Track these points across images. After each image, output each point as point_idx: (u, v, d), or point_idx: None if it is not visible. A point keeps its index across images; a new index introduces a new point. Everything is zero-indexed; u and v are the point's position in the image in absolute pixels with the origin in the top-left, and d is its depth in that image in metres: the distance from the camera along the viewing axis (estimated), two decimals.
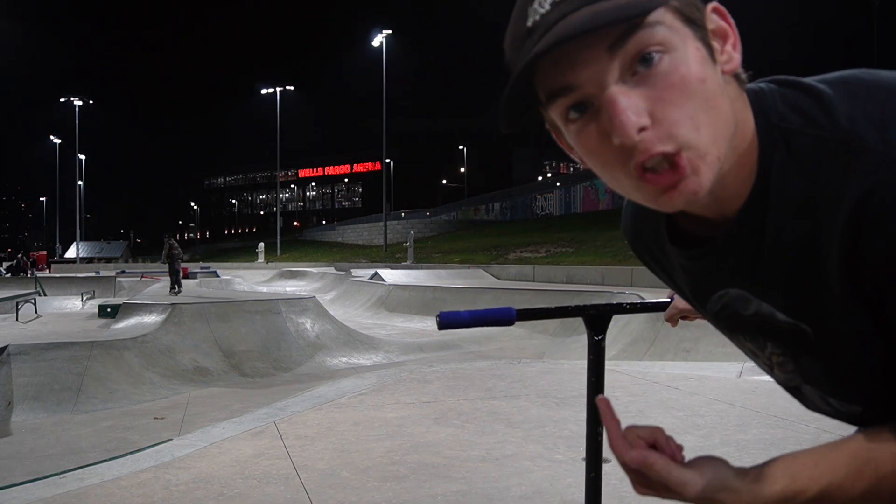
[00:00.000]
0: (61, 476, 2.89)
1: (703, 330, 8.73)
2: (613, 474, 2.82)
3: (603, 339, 1.54)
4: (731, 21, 0.57)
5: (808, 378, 0.64)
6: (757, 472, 0.57)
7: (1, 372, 6.31)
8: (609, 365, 6.27)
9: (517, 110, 0.56)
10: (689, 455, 0.58)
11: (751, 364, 5.49)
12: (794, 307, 0.59)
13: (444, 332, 11.73)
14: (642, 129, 0.51)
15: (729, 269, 0.62)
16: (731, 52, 0.56)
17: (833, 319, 0.57)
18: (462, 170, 79.37)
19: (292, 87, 52.86)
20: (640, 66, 0.51)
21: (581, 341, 10.99)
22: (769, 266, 0.59)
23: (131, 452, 3.34)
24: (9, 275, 28.73)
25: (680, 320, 1.33)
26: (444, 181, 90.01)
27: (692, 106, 0.52)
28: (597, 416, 1.44)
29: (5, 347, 6.50)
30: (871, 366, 0.58)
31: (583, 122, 0.54)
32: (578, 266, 19.86)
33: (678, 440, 0.58)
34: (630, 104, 0.51)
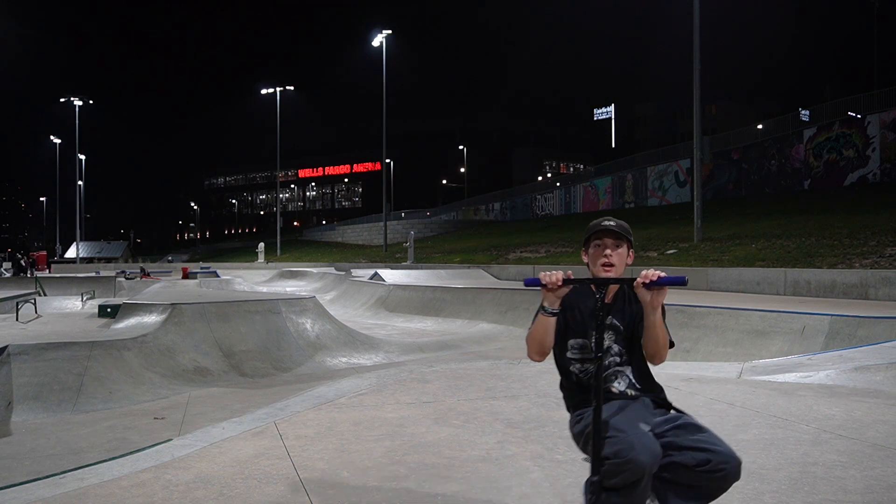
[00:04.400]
0: (61, 476, 2.89)
1: (702, 330, 8.73)
2: None
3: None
4: (633, 255, 2.21)
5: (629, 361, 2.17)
6: None
7: (1, 372, 6.31)
8: None
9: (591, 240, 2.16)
10: None
11: (751, 364, 5.47)
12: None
13: (444, 332, 11.36)
14: (610, 255, 2.14)
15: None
16: (631, 257, 2.19)
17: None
18: (462, 170, 79.38)
19: (292, 88, 52.78)
20: (616, 246, 2.15)
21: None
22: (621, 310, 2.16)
23: (131, 452, 3.33)
24: (8, 275, 28.75)
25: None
26: (444, 181, 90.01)
27: (623, 262, 2.16)
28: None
29: (5, 347, 6.50)
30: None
31: (597, 248, 2.17)
32: (578, 266, 19.82)
33: None
34: (611, 254, 2.14)
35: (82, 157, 62.98)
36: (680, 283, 1.91)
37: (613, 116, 78.60)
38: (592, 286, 2.09)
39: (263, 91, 52.21)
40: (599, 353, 1.98)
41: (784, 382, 4.74)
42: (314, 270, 28.45)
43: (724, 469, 1.86)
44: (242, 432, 3.55)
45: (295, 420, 3.80)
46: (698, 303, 9.50)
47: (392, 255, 37.80)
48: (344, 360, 9.11)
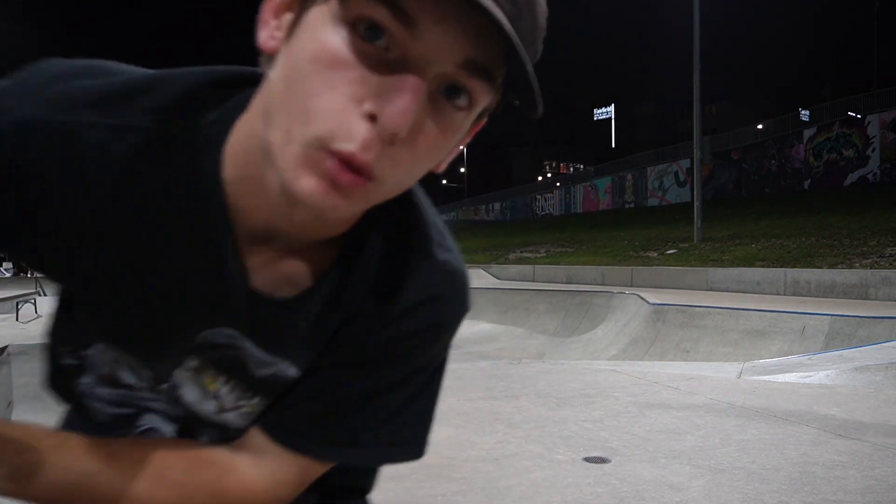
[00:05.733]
0: None
1: (702, 330, 8.74)
2: (614, 474, 2.82)
3: None
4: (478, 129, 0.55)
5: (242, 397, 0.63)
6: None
7: (1, 372, 6.31)
8: (609, 365, 6.26)
9: None
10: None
11: (751, 364, 5.45)
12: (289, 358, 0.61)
13: None
14: (392, 134, 0.43)
15: (258, 310, 0.57)
16: (473, 133, 0.54)
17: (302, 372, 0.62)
18: (462, 170, 79.45)
19: None
20: (447, 95, 0.45)
21: (581, 341, 10.98)
22: (298, 328, 0.59)
23: None
24: (8, 275, 28.75)
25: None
26: (444, 181, 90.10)
27: (428, 161, 0.48)
28: None
29: (5, 347, 6.49)
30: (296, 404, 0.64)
31: (362, 44, 0.43)
32: (579, 266, 19.86)
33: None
34: (416, 110, 0.43)
35: None
36: None
37: (613, 116, 78.69)
38: None
39: None
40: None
41: (784, 382, 4.74)
42: None
43: None
44: None
45: None
46: (698, 303, 9.50)
47: None
48: None
